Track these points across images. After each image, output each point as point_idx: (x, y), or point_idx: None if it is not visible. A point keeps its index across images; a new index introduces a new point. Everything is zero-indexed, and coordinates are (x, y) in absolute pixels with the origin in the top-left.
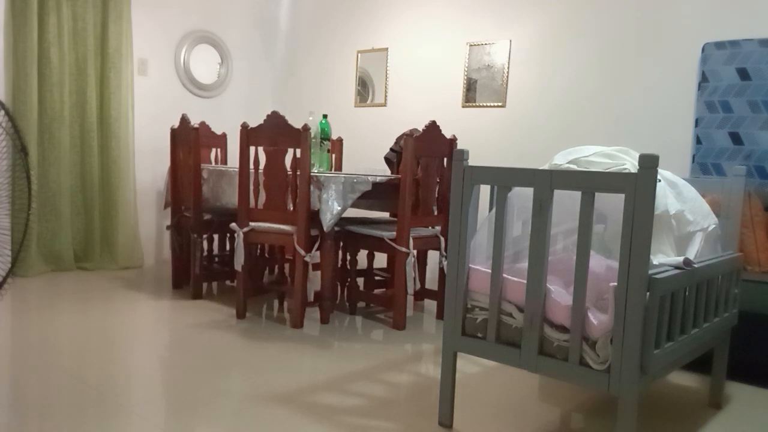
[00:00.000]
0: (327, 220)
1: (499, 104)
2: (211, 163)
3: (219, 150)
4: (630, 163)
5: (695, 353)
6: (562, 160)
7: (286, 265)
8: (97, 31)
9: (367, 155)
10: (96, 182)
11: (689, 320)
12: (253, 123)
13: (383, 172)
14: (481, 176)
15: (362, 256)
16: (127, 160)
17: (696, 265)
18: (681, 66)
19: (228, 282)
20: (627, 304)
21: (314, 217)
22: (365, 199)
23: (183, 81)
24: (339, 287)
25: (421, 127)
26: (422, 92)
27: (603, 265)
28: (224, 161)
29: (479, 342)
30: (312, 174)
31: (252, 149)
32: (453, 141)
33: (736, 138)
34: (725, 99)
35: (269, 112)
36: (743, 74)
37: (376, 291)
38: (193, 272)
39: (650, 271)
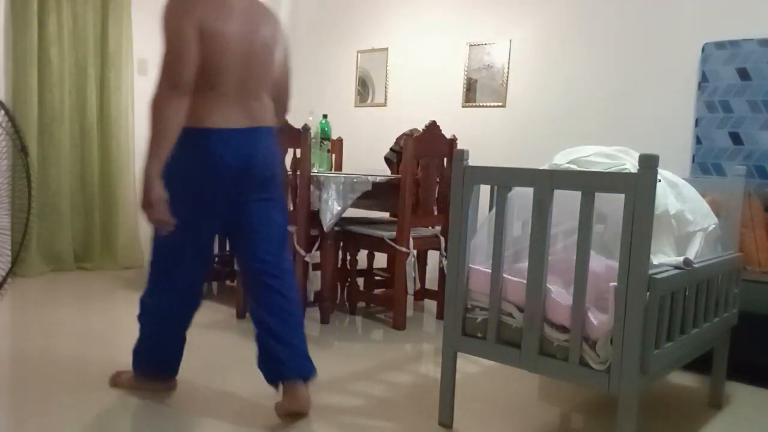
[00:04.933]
0: (327, 220)
1: (499, 104)
2: None
3: None
4: (630, 163)
5: (695, 353)
6: (562, 160)
7: None
8: (97, 32)
9: (367, 155)
10: (96, 182)
11: (689, 320)
12: None
13: (383, 172)
14: (481, 176)
15: (362, 256)
16: (127, 160)
17: (696, 265)
18: (681, 66)
19: (228, 282)
20: (627, 304)
21: (314, 217)
22: (365, 199)
23: None
24: (339, 287)
25: (421, 127)
26: (422, 92)
27: (603, 265)
28: None
29: (479, 342)
30: (312, 174)
31: None
32: (453, 141)
33: (736, 138)
34: (725, 99)
35: None
36: (743, 74)
37: (376, 291)
38: None
39: (650, 271)
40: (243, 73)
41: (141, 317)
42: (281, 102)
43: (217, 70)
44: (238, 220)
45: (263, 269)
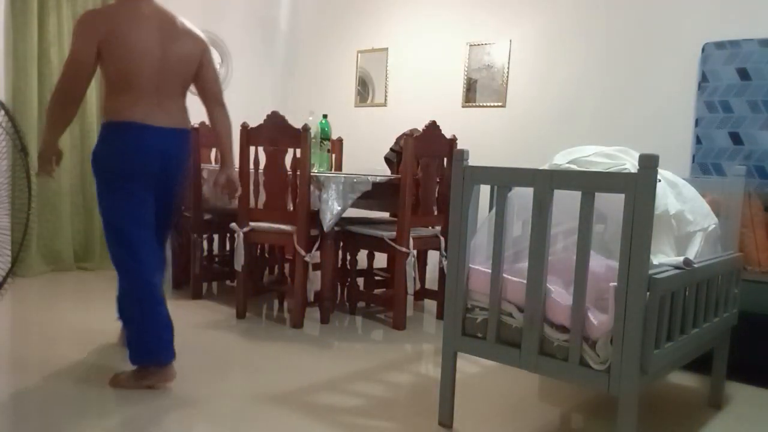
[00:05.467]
0: (327, 220)
1: (499, 104)
2: (211, 163)
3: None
4: (630, 163)
5: (695, 353)
6: (562, 160)
7: (286, 265)
8: None
9: (367, 155)
10: None
11: (689, 320)
12: (253, 123)
13: (383, 172)
14: (481, 176)
15: (362, 256)
16: None
17: (696, 265)
18: (681, 66)
19: (228, 282)
20: (627, 304)
21: (314, 217)
22: (365, 199)
23: None
24: (339, 287)
25: (421, 127)
26: (422, 92)
27: (603, 265)
28: None
29: (479, 342)
30: (312, 174)
31: (252, 149)
32: (453, 141)
33: (736, 138)
34: (725, 99)
35: (269, 112)
36: (743, 74)
37: (376, 291)
38: (193, 272)
39: (650, 271)
40: (160, 79)
41: (121, 312)
42: (214, 98)
43: (135, 75)
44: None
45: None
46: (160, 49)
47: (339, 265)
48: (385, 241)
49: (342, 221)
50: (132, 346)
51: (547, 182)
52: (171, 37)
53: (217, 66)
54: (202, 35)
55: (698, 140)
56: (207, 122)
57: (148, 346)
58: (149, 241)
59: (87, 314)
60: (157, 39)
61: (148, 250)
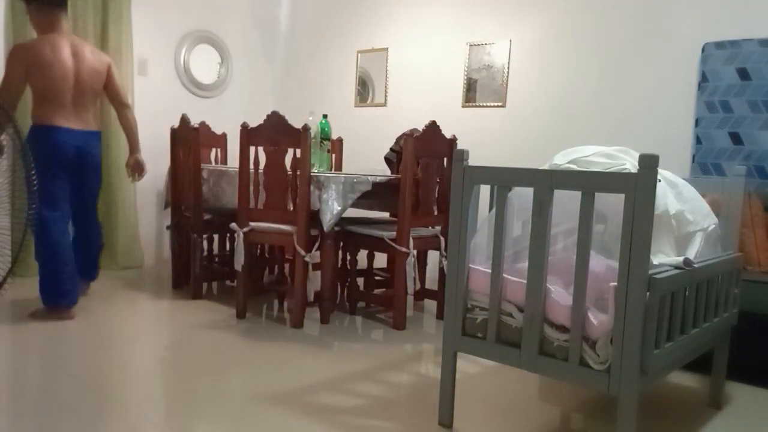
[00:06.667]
0: (327, 220)
1: (499, 104)
2: (211, 163)
3: (219, 150)
4: (630, 163)
5: (695, 353)
6: (561, 160)
7: (286, 265)
8: (97, 31)
9: (367, 155)
10: None
11: (689, 320)
12: (253, 123)
13: (383, 172)
14: (481, 176)
15: (362, 256)
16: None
17: (696, 265)
18: (681, 66)
19: (228, 282)
20: (627, 304)
21: (314, 217)
22: (365, 199)
23: (183, 81)
24: (339, 287)
25: (421, 127)
26: (422, 92)
27: (603, 265)
28: (224, 161)
29: (479, 342)
30: (312, 174)
31: (252, 149)
32: (453, 141)
33: (736, 138)
34: (725, 99)
35: (269, 112)
36: (743, 74)
37: (376, 291)
38: (193, 272)
39: (650, 271)
40: (74, 92)
41: (39, 270)
42: (119, 100)
43: (54, 90)
44: (73, 187)
45: (77, 221)
46: (73, 70)
47: (339, 265)
48: (385, 241)
49: (342, 221)
50: (43, 290)
51: (547, 182)
52: (82, 60)
53: (217, 66)
54: (106, 57)
55: (698, 140)
56: (207, 122)
57: (54, 293)
58: (61, 221)
59: (87, 314)
60: (71, 62)
61: (58, 226)
